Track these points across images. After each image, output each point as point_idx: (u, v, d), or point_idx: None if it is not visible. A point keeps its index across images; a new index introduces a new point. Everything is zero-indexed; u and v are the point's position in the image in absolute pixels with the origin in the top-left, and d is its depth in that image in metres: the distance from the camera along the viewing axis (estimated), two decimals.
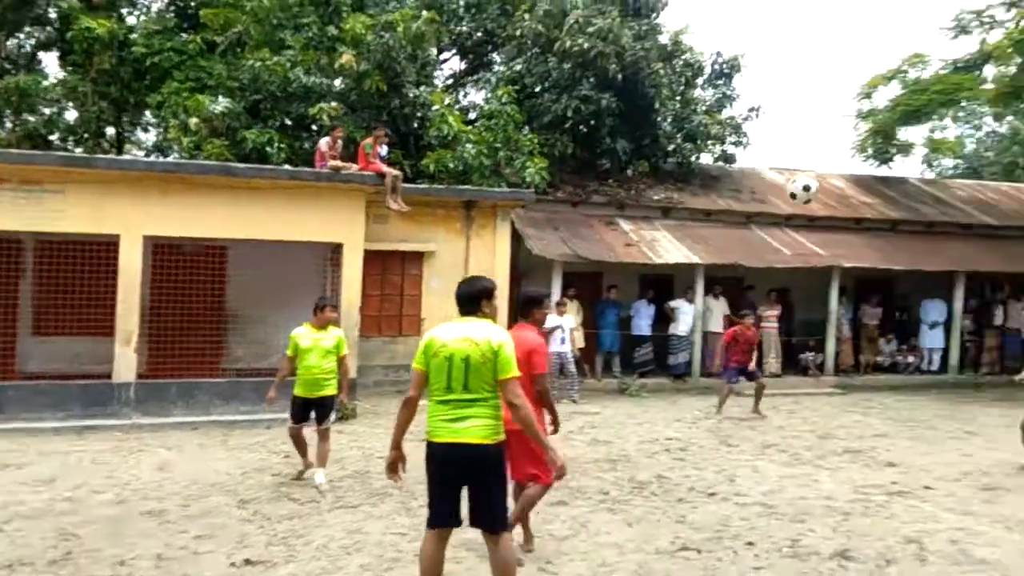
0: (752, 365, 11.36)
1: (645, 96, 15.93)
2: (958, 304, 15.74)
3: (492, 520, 4.07)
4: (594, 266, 14.09)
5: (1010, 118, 29.09)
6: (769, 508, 6.50)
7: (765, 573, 5.02)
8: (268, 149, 13.87)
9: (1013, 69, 16.59)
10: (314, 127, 14.75)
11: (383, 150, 11.95)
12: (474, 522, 4.10)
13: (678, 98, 17.13)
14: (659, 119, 16.42)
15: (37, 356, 11.21)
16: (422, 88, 14.98)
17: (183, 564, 5.03)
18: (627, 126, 16.22)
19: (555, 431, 5.27)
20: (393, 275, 12.82)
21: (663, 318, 14.40)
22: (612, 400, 12.60)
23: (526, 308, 5.41)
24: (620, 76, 15.36)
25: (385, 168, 11.61)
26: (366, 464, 7.86)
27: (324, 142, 11.71)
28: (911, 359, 16.02)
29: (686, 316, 14.13)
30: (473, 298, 4.26)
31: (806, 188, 9.10)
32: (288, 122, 15.38)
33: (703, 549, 5.44)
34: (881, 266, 15.30)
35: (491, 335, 4.07)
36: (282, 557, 5.18)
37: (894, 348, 16.11)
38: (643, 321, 14.30)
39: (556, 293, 13.38)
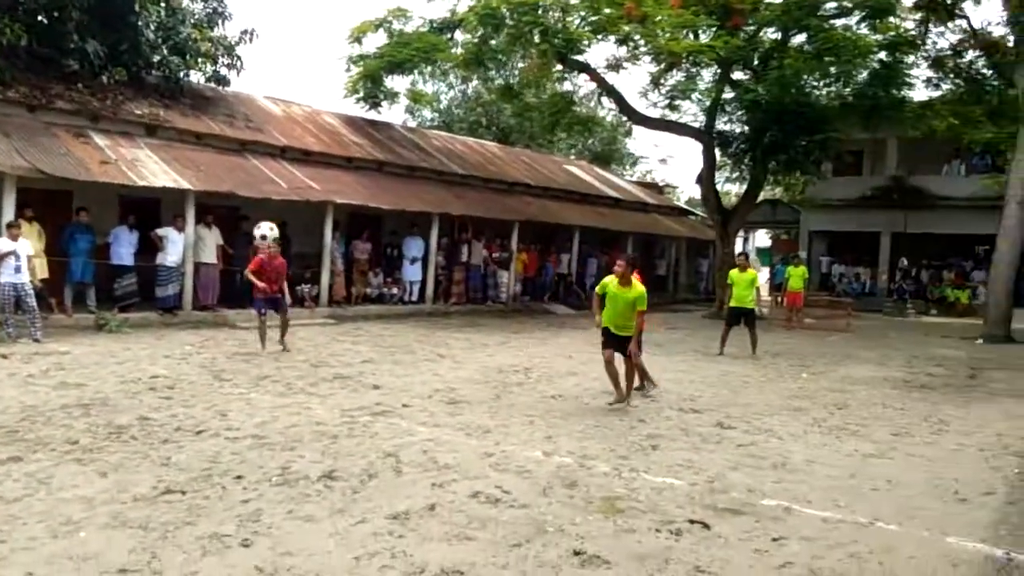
0: (283, 297, 11.04)
1: None
2: (433, 242, 17.72)
3: None
4: (60, 184, 12.10)
5: (476, 82, 33.53)
6: (261, 440, 6.40)
7: (254, 504, 4.91)
8: None
9: (477, 40, 18.94)
10: None
11: None
12: None
13: (163, 4, 15.51)
14: (140, 24, 14.63)
15: None
16: None
17: None
18: (100, 25, 14.11)
19: None
20: None
21: (148, 247, 13.12)
22: (87, 337, 11.10)
23: None
24: None
25: None
26: None
27: None
28: (395, 291, 17.58)
29: (176, 245, 13.13)
30: None
31: (264, 237, 10.78)
32: None
33: (189, 490, 5.09)
34: (371, 204, 16.31)
35: None
36: None
37: (381, 281, 17.46)
38: (124, 249, 12.82)
39: (8, 213, 11.15)
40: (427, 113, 35.50)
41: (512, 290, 19.72)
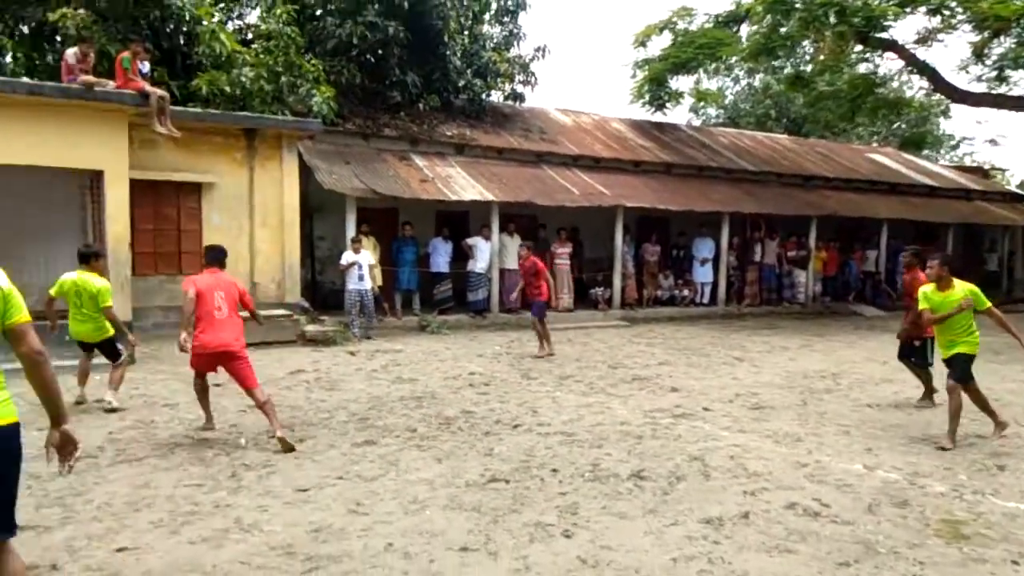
0: (539, 298, 10.89)
1: (433, 28, 15.56)
2: (724, 242, 17.28)
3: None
4: (388, 202, 13.73)
5: (762, 74, 32.03)
6: (570, 436, 6.71)
7: (571, 497, 5.16)
8: (4, 60, 11.85)
9: (765, 29, 18.09)
10: (58, 38, 12.81)
11: (144, 67, 10.63)
12: None
13: (466, 33, 16.94)
14: (448, 53, 16.16)
15: None
16: (186, 0, 13.44)
17: None
18: (416, 58, 15.79)
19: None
20: (168, 208, 11.63)
21: (460, 255, 14.42)
22: (413, 337, 12.48)
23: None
24: (407, 4, 14.85)
25: (148, 87, 10.34)
26: (150, 413, 7.13)
27: (71, 53, 10.10)
28: (686, 292, 17.41)
29: (483, 253, 14.26)
30: None
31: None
32: (25, 29, 13.21)
33: (512, 479, 5.50)
34: (659, 206, 16.33)
35: None
36: (57, 519, 4.54)
37: (671, 283, 17.41)
38: (441, 258, 14.25)
39: (351, 229, 12.91)
40: (712, 111, 34.64)
41: (811, 290, 18.54)
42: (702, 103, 31.92)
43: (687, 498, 5.19)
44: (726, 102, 34.70)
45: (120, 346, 7.51)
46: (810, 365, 10.68)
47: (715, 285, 17.41)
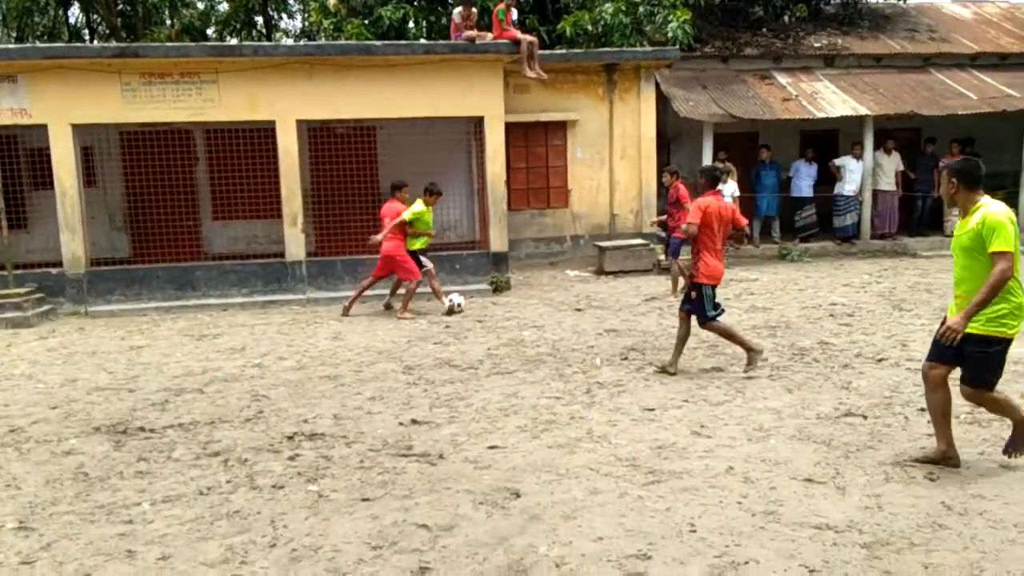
0: (679, 232, 8.71)
1: None
2: None
3: None
4: (748, 126, 13.23)
5: None
6: None
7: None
8: (408, 25, 13.74)
9: None
10: (450, 1, 14.43)
11: (514, 15, 11.47)
12: None
13: None
14: None
15: (219, 239, 12.22)
16: None
17: (357, 423, 5.41)
18: None
19: None
20: (537, 147, 12.63)
21: (826, 178, 13.41)
22: (771, 266, 12.08)
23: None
24: None
25: (519, 34, 11.18)
26: (520, 333, 8.05)
27: (457, 12, 11.35)
28: None
29: (853, 174, 13.07)
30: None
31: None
32: None
33: (869, 415, 5.18)
34: None
35: None
36: (445, 418, 5.45)
37: None
38: (803, 182, 13.38)
39: (708, 157, 12.75)
40: None
41: None
42: None
43: None
44: None
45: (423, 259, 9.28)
46: None
47: None
